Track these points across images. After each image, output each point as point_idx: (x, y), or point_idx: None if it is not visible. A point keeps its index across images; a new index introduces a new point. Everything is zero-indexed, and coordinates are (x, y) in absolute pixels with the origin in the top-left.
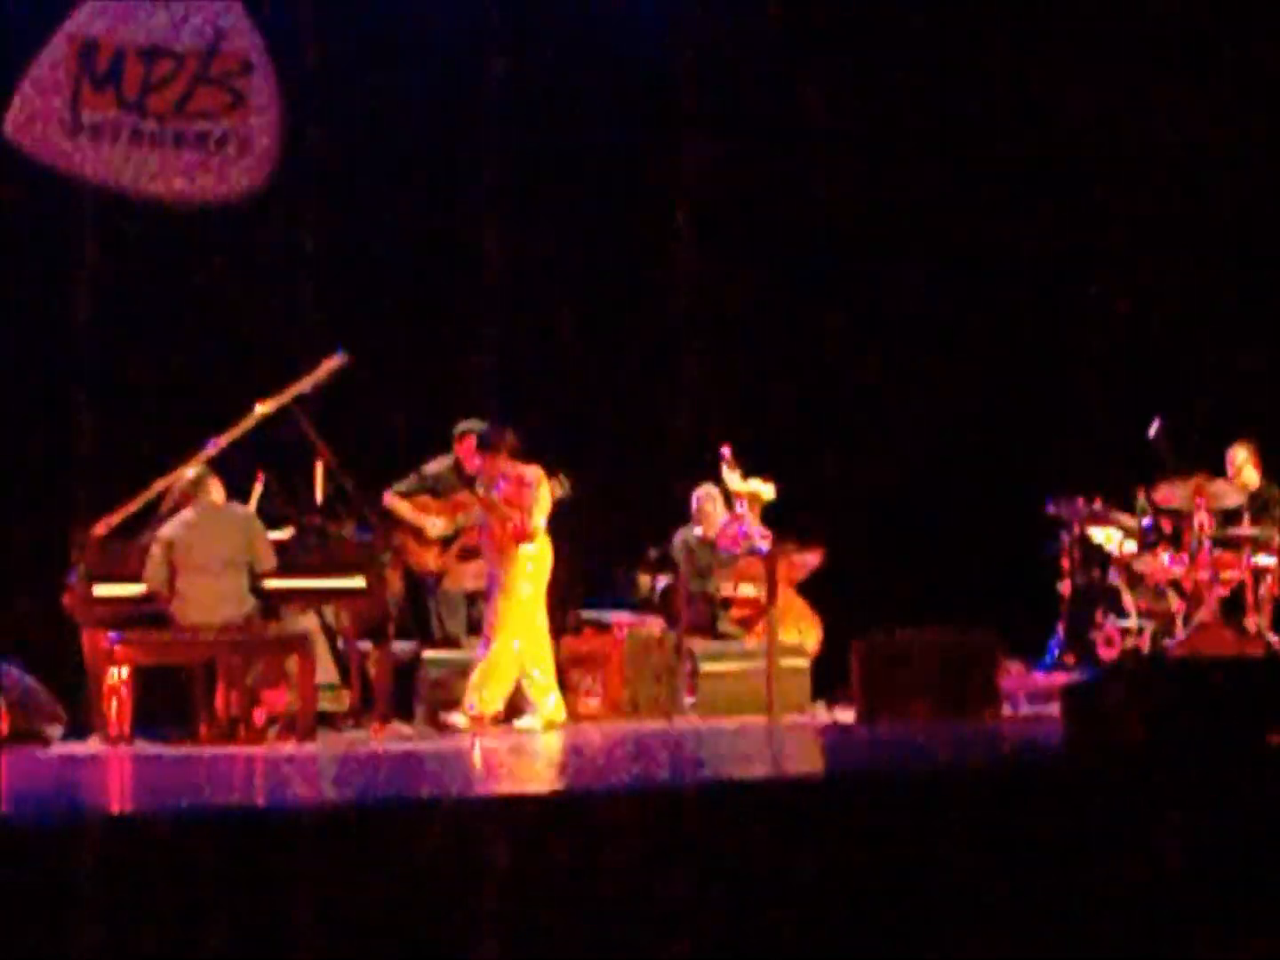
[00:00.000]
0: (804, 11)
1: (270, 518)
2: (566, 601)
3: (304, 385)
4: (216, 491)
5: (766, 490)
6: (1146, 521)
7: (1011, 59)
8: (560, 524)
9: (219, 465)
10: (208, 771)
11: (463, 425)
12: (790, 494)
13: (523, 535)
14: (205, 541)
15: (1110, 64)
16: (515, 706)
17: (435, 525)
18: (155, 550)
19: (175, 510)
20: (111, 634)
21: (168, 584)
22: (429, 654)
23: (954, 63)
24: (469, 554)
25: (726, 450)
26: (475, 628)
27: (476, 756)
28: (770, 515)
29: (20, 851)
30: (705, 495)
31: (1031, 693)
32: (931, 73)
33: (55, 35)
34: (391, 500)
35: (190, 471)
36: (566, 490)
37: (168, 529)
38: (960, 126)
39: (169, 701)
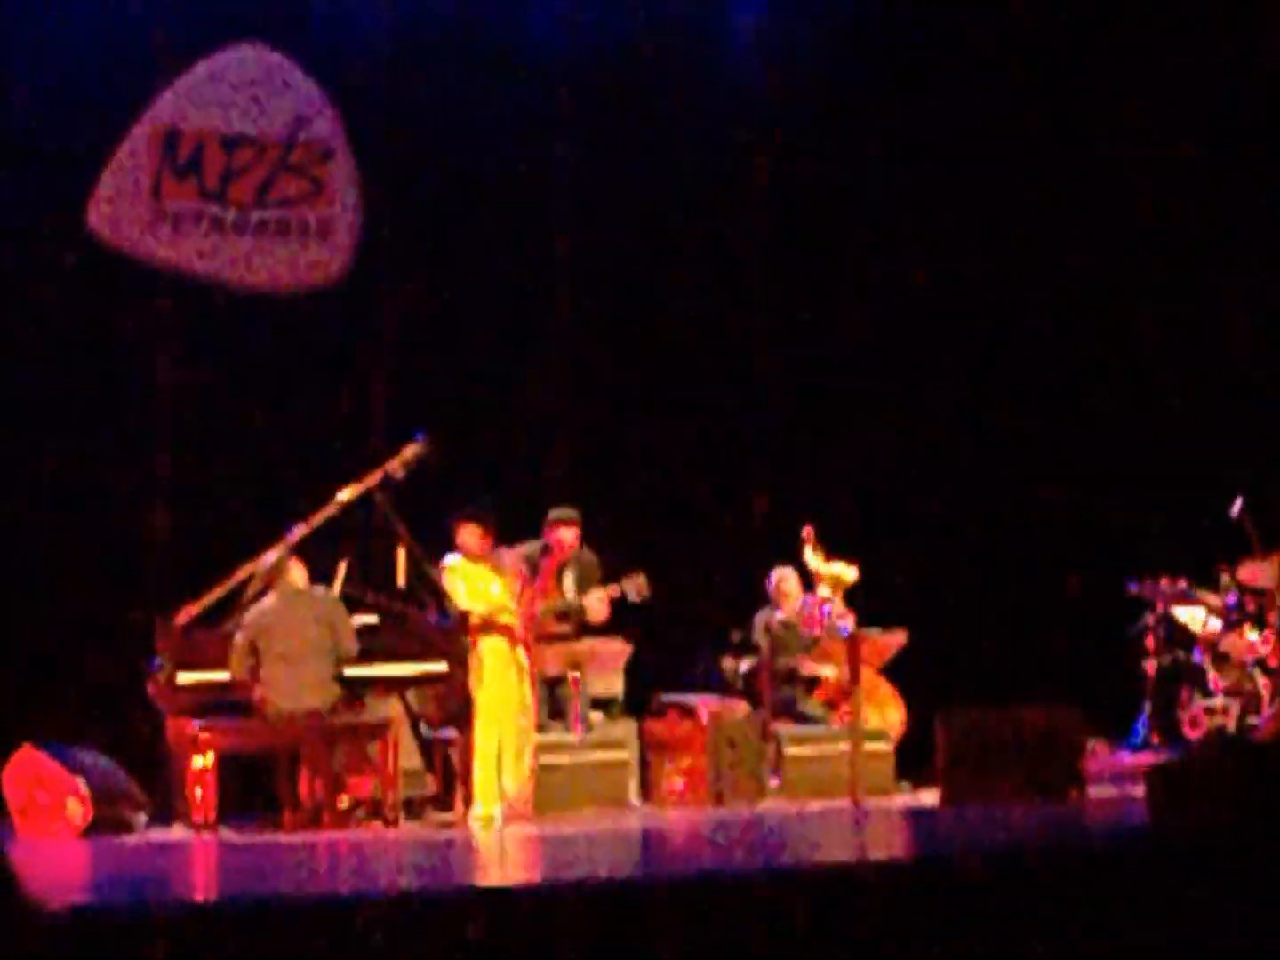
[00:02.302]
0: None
1: (352, 603)
2: (651, 685)
3: (386, 471)
4: (298, 575)
5: (849, 572)
6: (1231, 600)
7: (1096, 114)
8: (642, 607)
9: (301, 551)
10: (292, 859)
11: (555, 513)
12: (873, 576)
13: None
14: (288, 627)
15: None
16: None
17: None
18: (239, 638)
19: (259, 596)
20: (195, 721)
21: (252, 671)
22: None
23: (1047, 117)
24: (551, 639)
25: (809, 531)
26: (558, 713)
27: (558, 842)
28: (853, 597)
29: (105, 940)
30: (782, 577)
31: (1117, 773)
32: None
33: (137, 125)
34: None
35: (271, 556)
36: (642, 591)
37: (251, 616)
38: (1045, 205)
39: (253, 788)
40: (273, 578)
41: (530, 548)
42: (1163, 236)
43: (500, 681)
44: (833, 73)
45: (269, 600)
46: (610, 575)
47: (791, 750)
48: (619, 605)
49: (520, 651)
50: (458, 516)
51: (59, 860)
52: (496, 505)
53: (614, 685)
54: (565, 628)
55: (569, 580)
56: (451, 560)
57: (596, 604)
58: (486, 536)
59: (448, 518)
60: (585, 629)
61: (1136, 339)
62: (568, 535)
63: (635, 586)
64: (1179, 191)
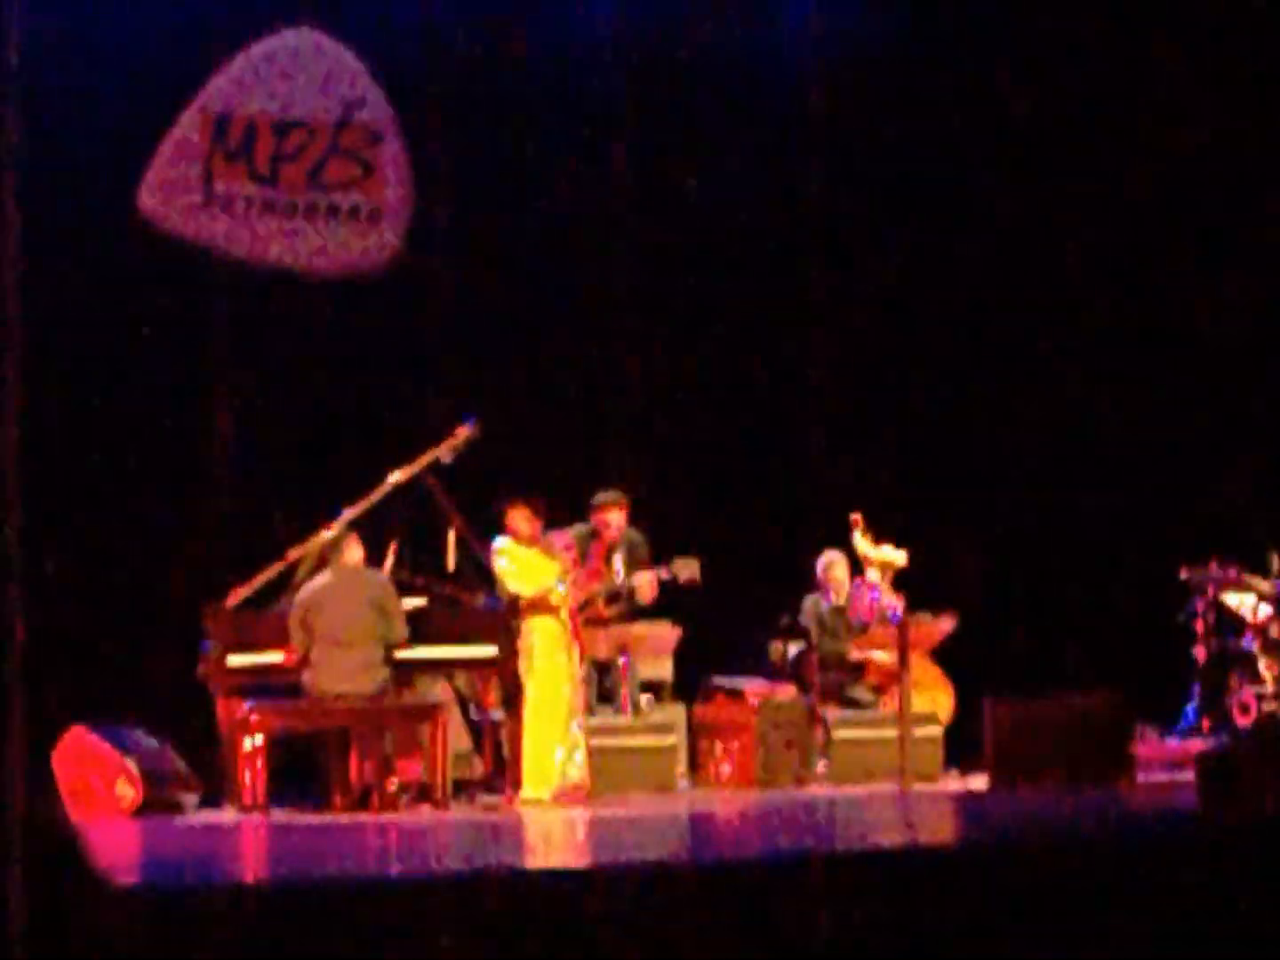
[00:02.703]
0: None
1: (402, 586)
2: (700, 669)
3: (436, 454)
4: (354, 553)
5: (898, 557)
6: None
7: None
8: (691, 592)
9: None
10: (341, 841)
11: (601, 496)
12: (922, 561)
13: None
14: (340, 608)
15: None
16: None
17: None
18: (293, 616)
19: (314, 572)
20: (246, 703)
21: (305, 651)
22: None
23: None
24: (602, 621)
25: (858, 516)
26: (607, 696)
27: (606, 825)
28: (902, 582)
29: (155, 920)
30: (830, 562)
31: (1166, 760)
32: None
33: (187, 109)
34: None
35: (331, 530)
36: (693, 574)
37: (304, 592)
38: (1094, 188)
39: (303, 770)
40: (329, 554)
41: (577, 531)
42: (1219, 212)
43: (550, 665)
44: (885, 59)
45: (322, 577)
46: (660, 556)
47: (839, 734)
48: (669, 587)
49: (570, 634)
50: (508, 499)
51: (109, 841)
52: (546, 489)
53: (663, 669)
54: (616, 610)
55: (618, 562)
56: (501, 543)
57: (644, 584)
58: (536, 520)
59: (498, 501)
60: (636, 611)
61: (1187, 319)
62: (614, 518)
63: (686, 569)
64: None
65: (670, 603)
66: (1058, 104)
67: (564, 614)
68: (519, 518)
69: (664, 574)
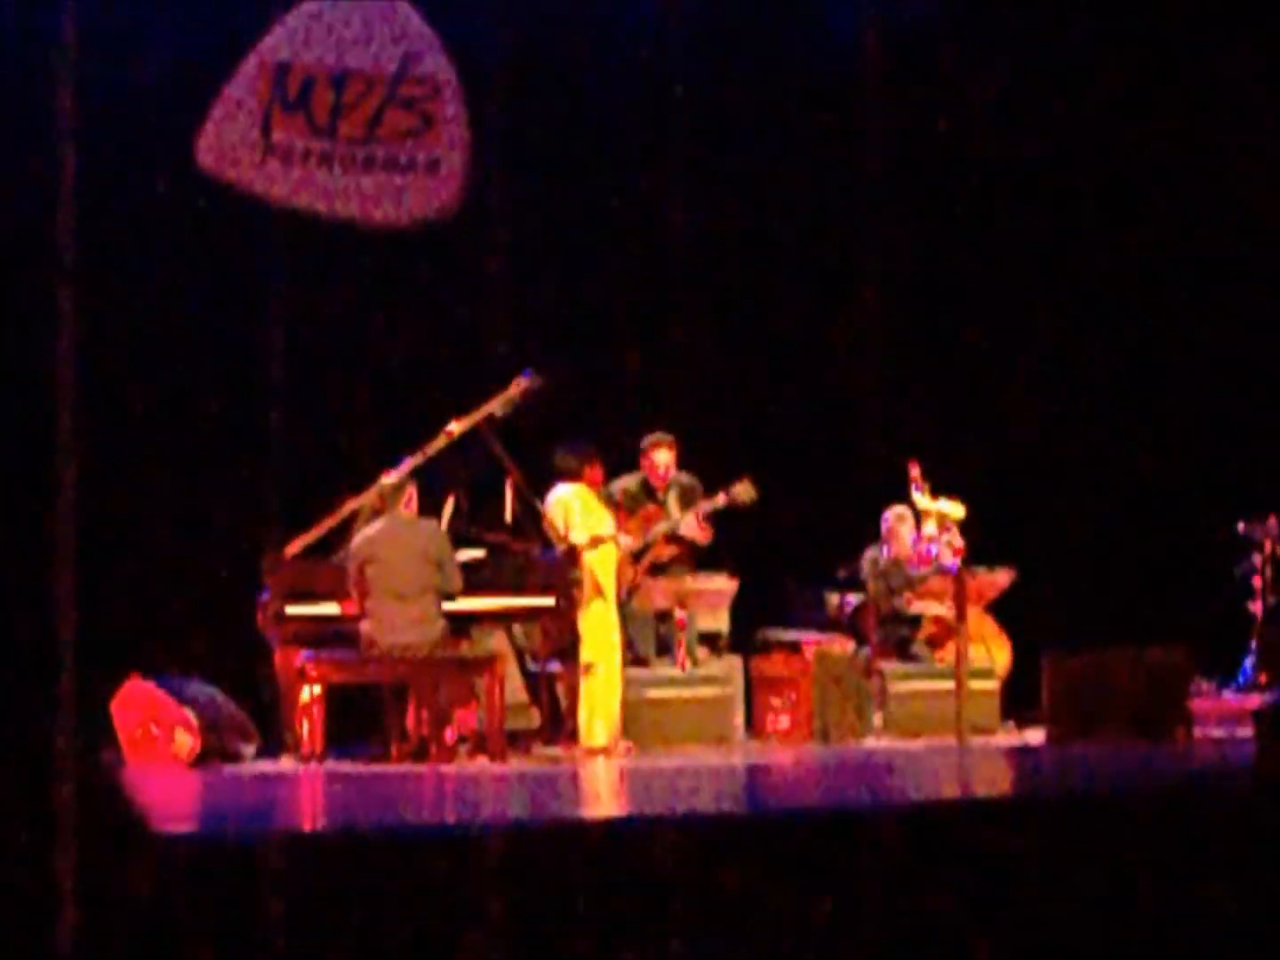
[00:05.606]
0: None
1: (460, 538)
2: (757, 622)
3: (494, 406)
4: (409, 503)
5: (956, 509)
6: None
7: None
8: (749, 543)
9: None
10: (398, 790)
11: (649, 438)
12: (980, 513)
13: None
14: (396, 560)
15: None
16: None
17: (625, 541)
18: (349, 567)
19: (371, 520)
20: (304, 653)
21: (361, 602)
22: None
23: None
24: (658, 570)
25: (915, 469)
26: (664, 647)
27: (662, 776)
28: (960, 534)
29: (213, 869)
30: (896, 515)
31: (1223, 714)
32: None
33: (245, 60)
34: None
35: (392, 476)
36: (750, 494)
37: (358, 542)
38: (1164, 153)
39: (360, 720)
40: (385, 503)
41: (628, 481)
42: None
43: (607, 616)
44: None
45: (374, 527)
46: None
47: (896, 688)
48: (730, 514)
49: (616, 585)
50: (589, 454)
51: (167, 789)
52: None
53: (720, 621)
54: (676, 550)
55: (672, 503)
56: (568, 490)
57: (690, 527)
58: (601, 471)
59: (578, 454)
60: (696, 558)
61: (1247, 277)
62: (662, 458)
63: (743, 491)
64: None
65: (730, 542)
66: (1106, 69)
67: (614, 564)
68: (595, 469)
69: (721, 501)
